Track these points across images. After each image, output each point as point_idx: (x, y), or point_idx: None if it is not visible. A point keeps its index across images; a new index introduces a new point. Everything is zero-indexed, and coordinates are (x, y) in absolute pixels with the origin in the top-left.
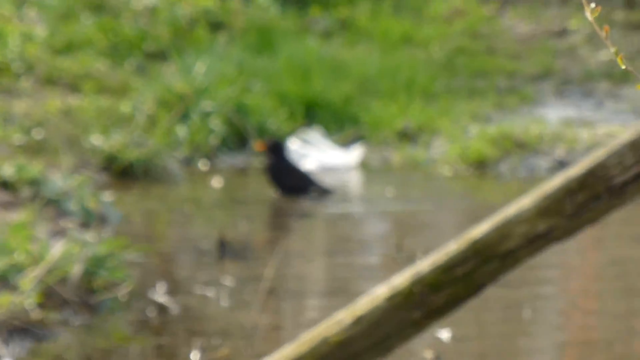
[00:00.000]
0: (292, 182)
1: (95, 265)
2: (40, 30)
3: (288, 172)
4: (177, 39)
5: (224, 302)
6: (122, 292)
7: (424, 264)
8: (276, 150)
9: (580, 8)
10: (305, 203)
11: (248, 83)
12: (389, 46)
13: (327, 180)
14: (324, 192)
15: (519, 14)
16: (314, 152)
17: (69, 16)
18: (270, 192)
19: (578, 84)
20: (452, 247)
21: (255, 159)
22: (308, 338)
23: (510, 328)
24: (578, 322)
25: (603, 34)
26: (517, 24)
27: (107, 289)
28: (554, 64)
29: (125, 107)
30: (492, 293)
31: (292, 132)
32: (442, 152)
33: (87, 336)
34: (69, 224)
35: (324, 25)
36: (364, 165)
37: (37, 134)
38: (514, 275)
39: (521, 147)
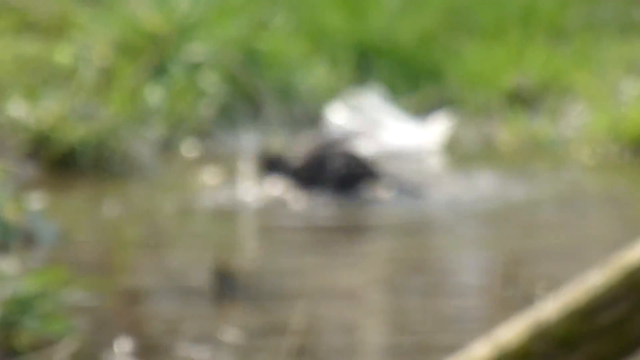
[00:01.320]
0: (332, 175)
1: (18, 310)
2: None
3: (325, 158)
4: None
5: None
6: (63, 352)
7: (550, 308)
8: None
9: None
10: (356, 208)
11: (263, 15)
12: None
13: (392, 171)
14: (386, 190)
15: None
16: (370, 127)
17: None
18: (296, 192)
19: None
20: (594, 281)
21: (274, 138)
22: None
23: None
24: None
25: None
26: None
27: (37, 348)
28: None
29: (62, 55)
30: None
31: (334, 94)
32: (579, 125)
33: None
34: None
35: None
36: (453, 147)
37: None
38: None
39: None
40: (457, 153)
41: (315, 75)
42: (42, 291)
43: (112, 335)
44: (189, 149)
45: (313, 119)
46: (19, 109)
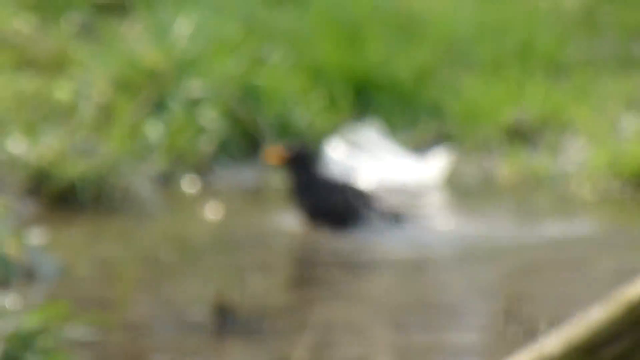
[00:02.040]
0: (333, 209)
1: (19, 346)
2: None
3: (326, 192)
4: None
5: None
6: None
7: (552, 343)
8: (303, 162)
9: None
10: (356, 242)
11: (261, 51)
12: None
13: (391, 206)
14: (388, 222)
15: None
16: (368, 162)
17: None
18: (297, 226)
19: None
20: (597, 315)
21: (273, 174)
22: None
23: None
24: None
25: None
26: None
27: None
28: None
29: (62, 91)
30: None
31: (332, 129)
32: (579, 160)
33: None
34: None
35: None
36: (452, 182)
37: None
38: None
39: None
40: (456, 189)
41: (313, 110)
42: (43, 326)
43: None
44: (189, 184)
45: (310, 153)
46: (18, 146)
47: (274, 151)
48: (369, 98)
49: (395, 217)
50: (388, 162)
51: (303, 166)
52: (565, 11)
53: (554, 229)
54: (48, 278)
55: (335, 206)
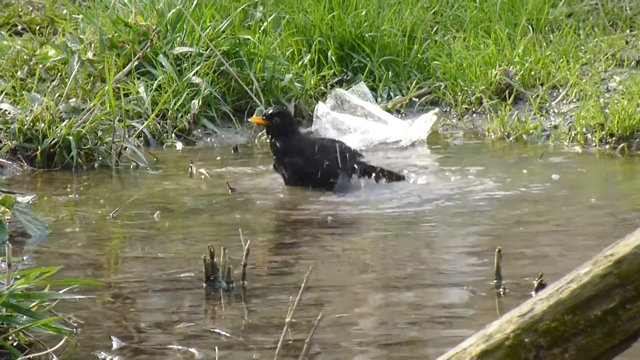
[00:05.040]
0: (311, 174)
1: (7, 309)
2: None
3: (305, 155)
4: None
5: None
6: (56, 349)
7: (540, 300)
8: (282, 126)
9: None
10: (341, 201)
11: (248, 12)
12: None
13: (379, 166)
14: (373, 180)
15: None
16: (357, 122)
17: None
18: (283, 185)
19: None
20: (584, 272)
21: (261, 133)
22: None
23: None
24: None
25: None
26: None
27: (27, 348)
28: None
29: (51, 50)
30: None
31: (321, 90)
32: (567, 116)
33: None
34: None
35: None
36: (440, 141)
37: None
38: None
39: None
40: (444, 146)
41: (300, 71)
42: (33, 288)
43: (105, 330)
44: (176, 142)
45: (299, 113)
46: (7, 104)
47: (255, 120)
48: (358, 59)
49: (380, 175)
50: (376, 122)
51: (282, 130)
52: None
53: (542, 184)
54: (37, 238)
55: (312, 172)
